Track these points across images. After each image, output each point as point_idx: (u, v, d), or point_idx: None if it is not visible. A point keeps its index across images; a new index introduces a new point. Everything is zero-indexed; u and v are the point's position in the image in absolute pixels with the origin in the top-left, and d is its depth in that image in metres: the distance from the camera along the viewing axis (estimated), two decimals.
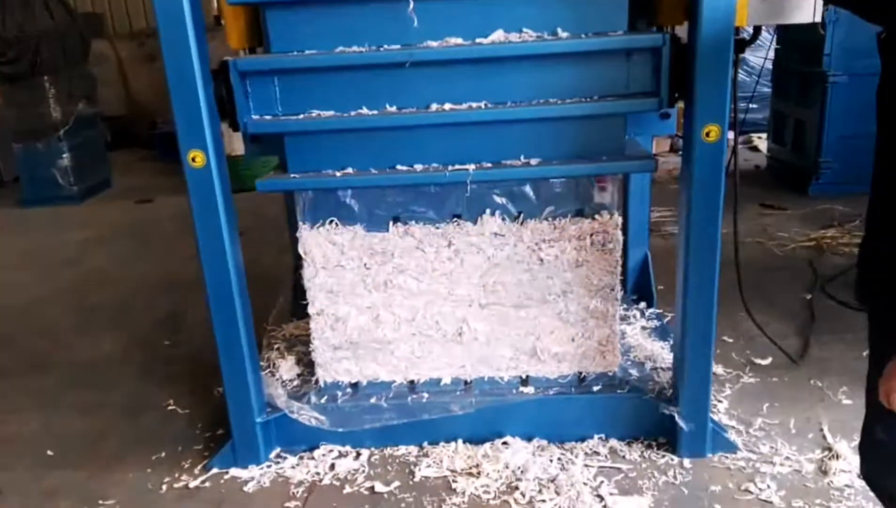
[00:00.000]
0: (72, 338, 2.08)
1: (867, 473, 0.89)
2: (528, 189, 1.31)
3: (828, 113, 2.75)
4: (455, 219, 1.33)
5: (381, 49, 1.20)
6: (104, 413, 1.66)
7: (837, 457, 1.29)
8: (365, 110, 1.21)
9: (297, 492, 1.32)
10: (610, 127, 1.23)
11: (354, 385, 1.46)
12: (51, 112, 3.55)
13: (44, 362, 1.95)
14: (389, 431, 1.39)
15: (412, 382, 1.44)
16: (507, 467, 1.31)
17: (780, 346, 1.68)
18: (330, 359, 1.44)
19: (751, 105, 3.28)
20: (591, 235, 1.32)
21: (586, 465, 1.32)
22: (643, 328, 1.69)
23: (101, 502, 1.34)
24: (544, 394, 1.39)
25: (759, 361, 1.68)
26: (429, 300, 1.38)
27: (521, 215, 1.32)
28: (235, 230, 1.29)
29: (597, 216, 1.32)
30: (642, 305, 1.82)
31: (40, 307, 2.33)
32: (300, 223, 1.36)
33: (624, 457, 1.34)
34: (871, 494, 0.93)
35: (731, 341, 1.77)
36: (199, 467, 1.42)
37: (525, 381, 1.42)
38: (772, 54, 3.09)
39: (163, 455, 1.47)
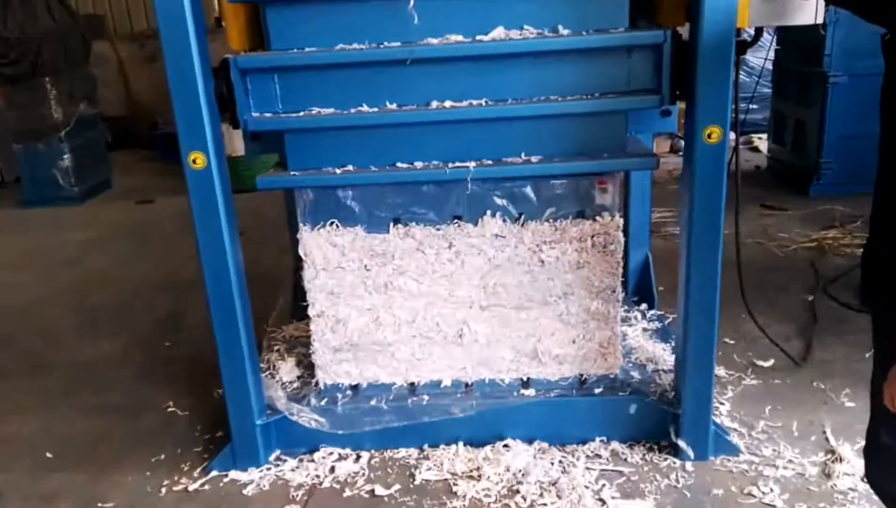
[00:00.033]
0: (72, 339, 2.08)
1: (871, 476, 0.89)
2: (528, 190, 1.31)
3: (828, 113, 2.75)
4: (456, 220, 1.33)
5: (382, 46, 1.19)
6: (104, 415, 1.65)
7: (841, 460, 1.28)
8: (365, 108, 1.21)
9: (297, 495, 1.31)
10: (611, 124, 1.23)
11: (354, 387, 1.45)
12: (52, 113, 3.55)
13: (44, 362, 1.94)
14: (390, 433, 1.39)
15: (412, 384, 1.44)
16: (507, 470, 1.31)
17: (783, 348, 1.67)
18: (330, 361, 1.43)
19: (751, 106, 3.28)
20: (593, 236, 1.31)
21: (588, 468, 1.31)
22: (644, 329, 1.68)
23: (100, 505, 1.34)
24: (545, 396, 1.39)
25: (761, 363, 1.67)
26: (429, 302, 1.37)
27: (522, 217, 1.32)
28: (236, 232, 1.29)
29: (598, 218, 1.31)
30: (643, 306, 1.81)
31: (40, 308, 2.33)
32: (301, 225, 1.36)
33: (626, 460, 1.34)
34: (875, 497, 0.92)
35: (732, 342, 1.77)
36: (199, 469, 1.41)
37: (526, 383, 1.42)
38: (772, 55, 3.09)
39: (162, 457, 1.47)
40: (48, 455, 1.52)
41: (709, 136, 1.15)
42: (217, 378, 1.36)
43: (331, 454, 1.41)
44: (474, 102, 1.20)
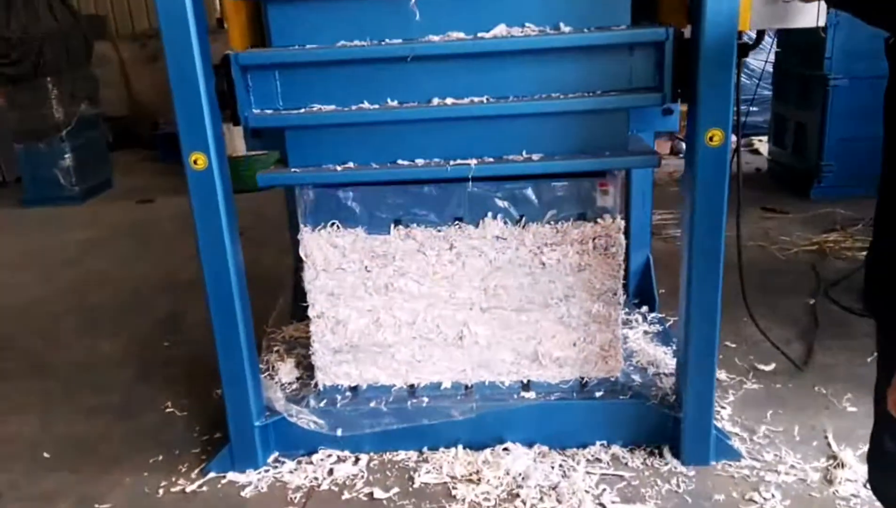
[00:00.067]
0: (71, 339, 2.08)
1: (875, 483, 0.88)
2: (529, 192, 1.30)
3: (829, 116, 2.75)
4: (457, 222, 1.33)
5: (383, 43, 1.19)
6: (102, 415, 1.65)
7: (843, 466, 1.27)
8: (366, 105, 1.21)
9: (296, 497, 1.30)
10: (613, 122, 1.23)
11: (354, 389, 1.45)
12: (53, 113, 3.56)
13: (43, 362, 1.94)
14: (389, 436, 1.38)
15: (412, 386, 1.43)
16: (507, 473, 1.30)
17: (784, 352, 1.67)
18: (330, 362, 1.43)
19: (751, 108, 3.28)
20: (594, 238, 1.31)
21: (588, 472, 1.30)
22: (645, 332, 1.68)
23: (97, 506, 1.33)
24: (546, 399, 1.38)
25: (762, 367, 1.66)
26: (430, 304, 1.37)
27: (523, 219, 1.32)
28: (236, 232, 1.29)
29: (599, 220, 1.31)
30: (644, 309, 1.81)
31: (40, 308, 2.32)
32: (301, 226, 1.36)
33: (626, 464, 1.33)
34: (878, 504, 0.91)
35: (733, 346, 1.76)
36: (197, 471, 1.41)
37: (526, 386, 1.41)
38: (772, 57, 3.09)
39: (160, 458, 1.46)
40: (46, 455, 1.51)
41: (710, 138, 1.14)
42: (216, 379, 1.36)
43: (329, 456, 1.40)
44: (476, 100, 1.20)
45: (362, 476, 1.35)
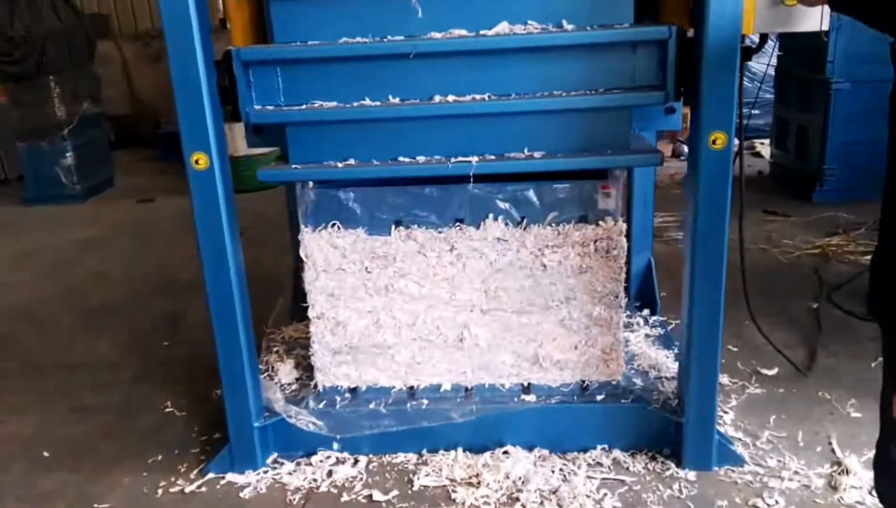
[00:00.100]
0: (71, 338, 2.07)
1: (881, 490, 0.87)
2: (531, 194, 1.30)
3: (831, 119, 2.74)
4: (457, 223, 1.32)
5: (385, 40, 1.19)
6: (102, 415, 1.65)
7: (847, 472, 1.26)
8: (368, 101, 1.20)
9: (294, 499, 1.30)
10: (615, 120, 1.22)
11: (353, 390, 1.44)
12: (55, 111, 3.56)
13: (42, 362, 1.94)
14: (388, 438, 1.37)
15: (412, 388, 1.43)
16: (507, 477, 1.29)
17: (787, 356, 1.66)
18: (329, 363, 1.42)
19: (753, 111, 3.28)
20: (595, 241, 1.30)
21: (589, 477, 1.29)
22: (647, 335, 1.67)
23: (96, 506, 1.33)
24: (546, 403, 1.37)
25: (765, 371, 1.65)
26: (430, 305, 1.36)
27: (524, 221, 1.31)
28: (236, 232, 1.28)
29: (601, 222, 1.30)
30: (646, 312, 1.80)
31: (41, 307, 2.32)
32: (302, 226, 1.35)
33: (627, 469, 1.32)
34: None
35: (736, 350, 1.75)
36: (196, 471, 1.40)
37: (527, 389, 1.41)
38: (774, 60, 3.08)
39: (159, 458, 1.46)
40: (45, 454, 1.51)
41: (713, 141, 1.14)
42: (215, 379, 1.35)
43: (328, 457, 1.39)
44: (478, 97, 1.19)
45: (361, 478, 1.34)
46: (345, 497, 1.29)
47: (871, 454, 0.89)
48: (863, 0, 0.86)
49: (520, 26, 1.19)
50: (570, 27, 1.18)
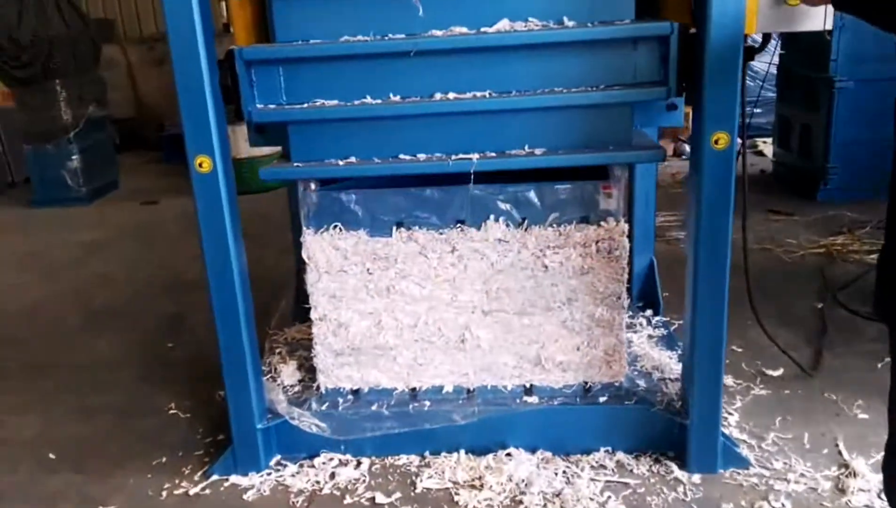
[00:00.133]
0: (76, 339, 2.09)
1: (891, 495, 0.86)
2: (532, 195, 1.29)
3: (835, 118, 2.73)
4: (459, 225, 1.32)
5: (386, 38, 1.19)
6: (106, 417, 1.66)
7: (855, 475, 1.24)
8: (369, 99, 1.21)
9: (297, 501, 1.30)
10: (617, 117, 1.22)
11: (356, 392, 1.44)
12: (61, 115, 3.60)
13: (47, 363, 1.95)
14: (390, 439, 1.37)
15: (414, 389, 1.42)
16: (510, 479, 1.29)
17: (792, 357, 1.64)
18: (331, 365, 1.43)
19: (755, 109, 3.26)
20: (597, 241, 1.30)
21: (592, 479, 1.29)
22: (650, 336, 1.66)
23: None
24: (549, 404, 1.37)
25: (770, 372, 1.64)
26: (431, 306, 1.36)
27: (526, 221, 1.31)
28: (240, 234, 1.29)
29: (602, 223, 1.30)
30: (648, 312, 1.79)
31: (46, 308, 2.34)
32: (304, 228, 1.35)
33: (631, 471, 1.31)
34: None
35: (740, 350, 1.74)
36: (200, 473, 1.41)
37: (529, 390, 1.40)
38: (776, 59, 3.06)
39: (163, 460, 1.47)
40: (50, 456, 1.52)
41: (716, 141, 1.13)
42: (219, 380, 1.36)
43: (331, 459, 1.39)
44: (478, 94, 1.19)
45: (364, 481, 1.34)
46: (347, 500, 1.29)
47: (880, 456, 0.89)
48: None
49: (520, 23, 1.19)
50: (570, 23, 1.18)
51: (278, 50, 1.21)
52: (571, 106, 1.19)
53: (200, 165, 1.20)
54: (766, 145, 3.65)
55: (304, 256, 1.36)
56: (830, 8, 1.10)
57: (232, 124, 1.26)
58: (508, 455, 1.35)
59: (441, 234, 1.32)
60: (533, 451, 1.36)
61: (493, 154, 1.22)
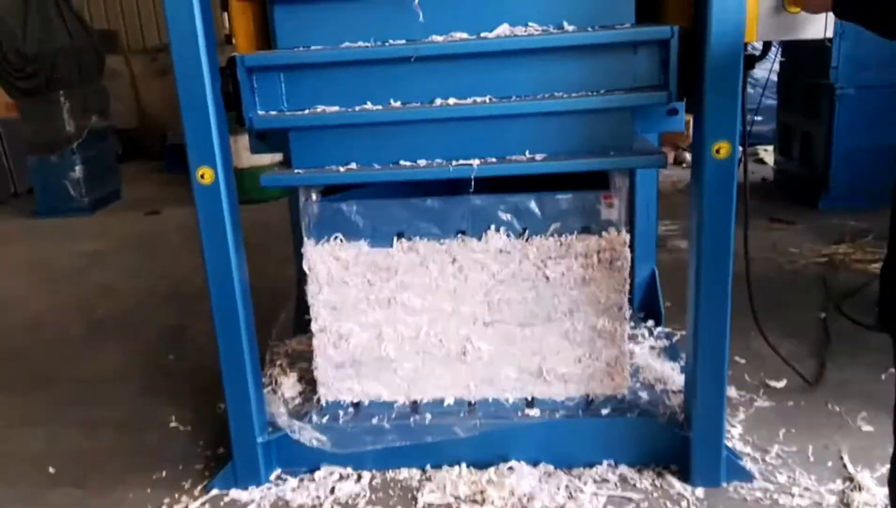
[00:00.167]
0: (77, 352, 2.08)
1: None
2: (532, 205, 1.29)
3: (836, 125, 2.73)
4: (460, 235, 1.32)
5: (386, 44, 1.20)
6: (107, 430, 1.65)
7: (860, 489, 1.23)
8: (369, 105, 1.21)
9: None
10: (617, 122, 1.21)
11: (356, 405, 1.43)
12: (65, 126, 3.62)
13: (48, 376, 1.94)
14: (391, 453, 1.36)
15: (415, 402, 1.41)
16: (512, 494, 1.27)
17: (796, 368, 1.62)
18: (332, 377, 1.42)
19: (756, 117, 3.27)
20: (599, 252, 1.29)
21: (595, 493, 1.27)
22: (652, 347, 1.65)
23: None
24: (551, 417, 1.35)
25: (773, 383, 1.63)
26: (432, 318, 1.36)
27: (527, 232, 1.31)
28: (241, 246, 1.29)
29: (604, 233, 1.29)
30: (650, 323, 1.78)
31: (49, 319, 2.34)
32: (305, 239, 1.35)
33: (634, 485, 1.30)
34: None
35: (743, 361, 1.72)
36: (200, 488, 1.40)
37: (531, 403, 1.39)
38: (776, 67, 3.08)
39: (163, 474, 1.45)
40: (51, 470, 1.51)
41: (717, 151, 1.13)
42: (221, 392, 1.35)
43: (332, 473, 1.38)
44: (479, 100, 1.19)
45: (364, 495, 1.33)
46: None
47: (885, 469, 0.87)
48: (866, 7, 0.86)
49: (520, 28, 1.19)
50: (570, 28, 1.18)
51: (279, 56, 1.22)
52: (572, 111, 1.19)
53: (202, 176, 1.20)
54: (767, 153, 3.66)
55: (304, 267, 1.36)
56: (831, 16, 1.11)
57: (233, 134, 1.26)
58: (510, 468, 1.34)
59: (442, 244, 1.32)
60: (535, 464, 1.35)
61: (494, 160, 1.22)
